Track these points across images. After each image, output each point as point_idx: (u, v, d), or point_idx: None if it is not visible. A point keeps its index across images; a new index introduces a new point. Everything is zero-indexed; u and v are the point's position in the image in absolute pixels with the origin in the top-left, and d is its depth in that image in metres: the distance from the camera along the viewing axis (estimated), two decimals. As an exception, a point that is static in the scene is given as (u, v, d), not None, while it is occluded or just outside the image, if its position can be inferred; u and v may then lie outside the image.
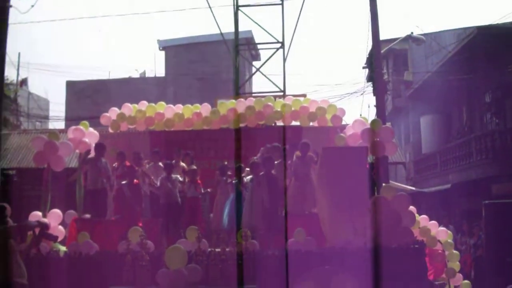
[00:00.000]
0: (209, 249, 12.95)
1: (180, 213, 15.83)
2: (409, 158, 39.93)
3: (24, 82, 49.13)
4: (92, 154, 16.69)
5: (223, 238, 13.02)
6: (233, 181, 15.58)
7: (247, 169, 15.93)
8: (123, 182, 15.91)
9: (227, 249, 12.51)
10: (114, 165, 16.65)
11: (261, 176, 15.20)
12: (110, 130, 19.07)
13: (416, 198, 24.77)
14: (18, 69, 43.09)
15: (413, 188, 31.81)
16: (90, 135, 17.32)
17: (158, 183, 16.02)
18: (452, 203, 30.32)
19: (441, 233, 17.26)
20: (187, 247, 13.02)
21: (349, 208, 13.59)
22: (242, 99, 19.24)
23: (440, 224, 18.31)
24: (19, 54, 45.14)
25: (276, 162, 15.54)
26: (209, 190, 16.69)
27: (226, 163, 16.56)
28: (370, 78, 29.69)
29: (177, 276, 12.12)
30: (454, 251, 17.44)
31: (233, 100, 19.28)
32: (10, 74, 41.80)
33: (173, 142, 18.34)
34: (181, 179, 16.11)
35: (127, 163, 16.50)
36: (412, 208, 14.87)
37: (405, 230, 13.80)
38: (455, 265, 17.23)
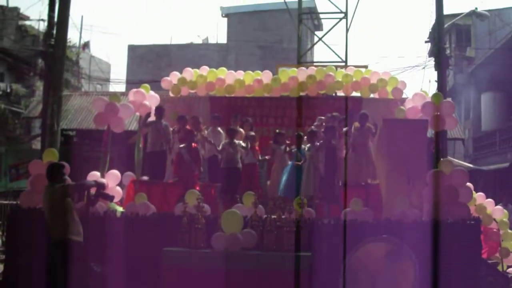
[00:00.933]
0: (265, 215, 12.95)
1: (238, 178, 15.91)
2: (468, 135, 39.46)
3: (86, 45, 49.78)
4: (153, 117, 16.84)
5: (280, 205, 12.95)
6: (293, 150, 15.62)
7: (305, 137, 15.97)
8: (181, 145, 16.02)
9: (283, 216, 12.49)
10: (173, 128, 16.78)
11: (320, 144, 15.25)
12: (171, 94, 19.21)
13: (474, 176, 24.53)
14: (80, 32, 43.75)
15: (471, 165, 31.49)
16: (151, 98, 17.45)
17: (220, 147, 16.13)
18: (510, 182, 29.95)
19: (497, 211, 17.12)
20: (243, 212, 13.03)
21: (407, 180, 13.60)
22: (303, 68, 19.18)
23: (496, 202, 18.14)
24: (82, 17, 45.75)
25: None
26: (267, 157, 16.72)
27: (278, 131, 16.67)
28: (432, 53, 29.47)
29: (232, 240, 12.18)
30: (509, 231, 17.29)
31: (295, 68, 19.24)
32: (73, 36, 42.51)
33: (233, 108, 18.47)
34: (243, 144, 16.13)
35: (188, 127, 16.54)
36: (469, 184, 14.77)
37: (461, 205, 13.70)
38: (509, 244, 17.07)
